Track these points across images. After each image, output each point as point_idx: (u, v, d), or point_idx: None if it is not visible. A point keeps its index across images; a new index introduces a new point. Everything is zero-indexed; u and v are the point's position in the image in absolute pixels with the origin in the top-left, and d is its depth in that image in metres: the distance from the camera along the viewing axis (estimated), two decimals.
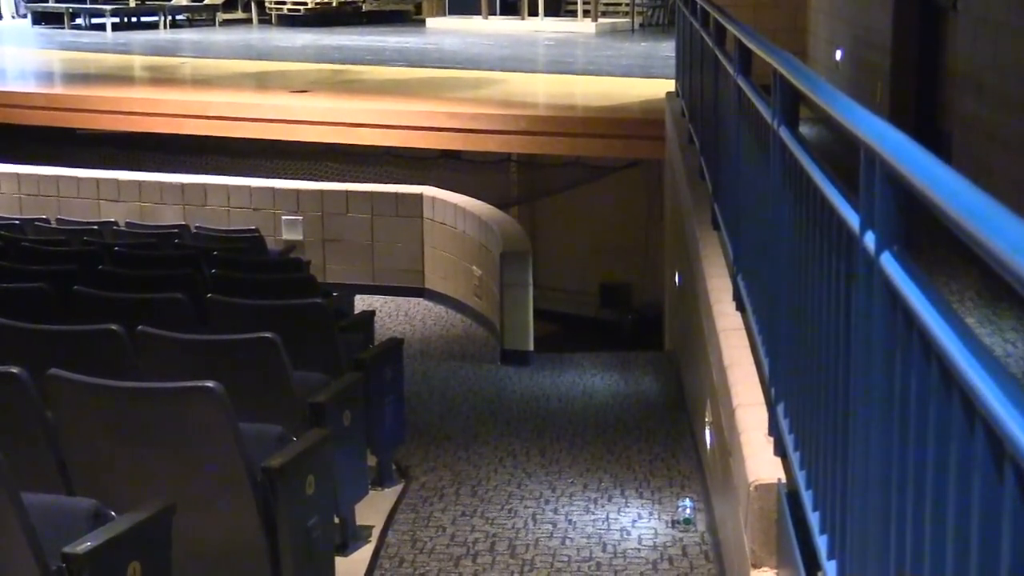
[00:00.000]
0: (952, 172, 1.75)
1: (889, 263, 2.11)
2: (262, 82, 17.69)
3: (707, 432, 5.63)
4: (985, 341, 4.92)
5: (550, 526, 5.87)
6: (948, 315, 1.77)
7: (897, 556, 2.05)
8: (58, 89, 17.91)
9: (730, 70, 5.27)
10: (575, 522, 5.92)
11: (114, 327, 5.41)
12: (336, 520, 5.29)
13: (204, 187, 13.72)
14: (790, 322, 3.44)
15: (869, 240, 2.24)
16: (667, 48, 15.83)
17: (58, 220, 11.73)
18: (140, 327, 5.44)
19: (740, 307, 4.87)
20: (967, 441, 1.62)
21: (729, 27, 5.64)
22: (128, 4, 25.42)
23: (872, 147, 2.18)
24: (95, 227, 10.84)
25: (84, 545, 3.50)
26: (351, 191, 13.39)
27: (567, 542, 5.67)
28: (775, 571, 3.50)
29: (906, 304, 1.95)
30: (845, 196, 2.59)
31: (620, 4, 24.25)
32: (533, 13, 23.68)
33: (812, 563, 2.93)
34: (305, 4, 25.06)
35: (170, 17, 25.44)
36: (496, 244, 11.37)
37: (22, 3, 27.44)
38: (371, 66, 18.53)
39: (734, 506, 4.11)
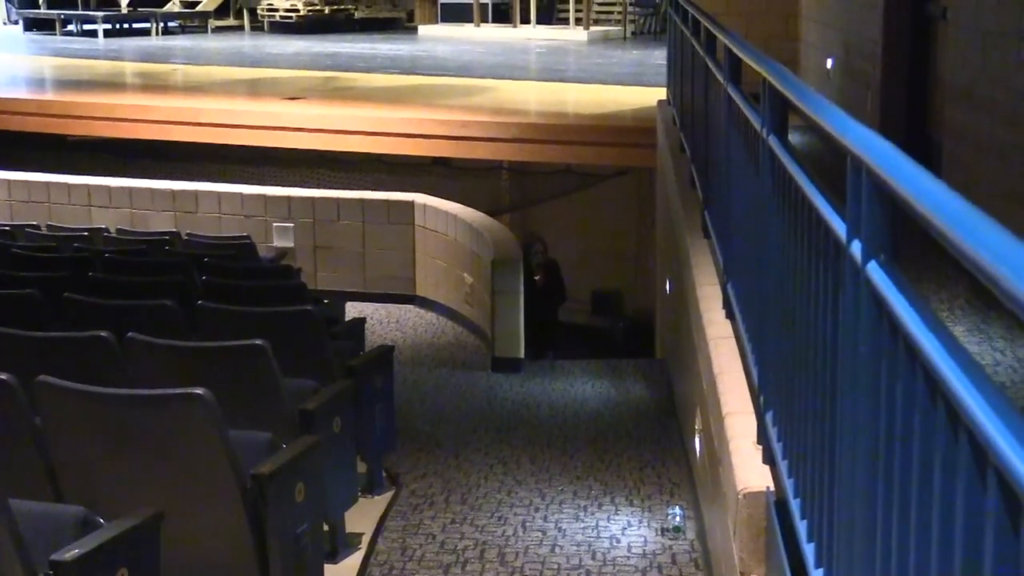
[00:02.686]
0: (938, 182, 1.76)
1: (875, 272, 2.12)
2: (254, 89, 17.69)
3: (697, 440, 5.63)
4: (974, 349, 4.93)
5: (540, 534, 5.87)
6: (933, 325, 1.78)
7: (883, 564, 2.06)
8: (49, 95, 17.90)
9: (720, 78, 5.28)
10: (565, 530, 5.93)
11: (104, 334, 5.41)
12: (325, 527, 5.29)
13: (195, 194, 13.71)
14: (779, 331, 3.44)
15: (856, 249, 2.24)
16: (659, 56, 15.86)
17: (49, 226, 11.72)
18: (130, 334, 5.43)
19: (730, 315, 4.87)
20: (952, 450, 1.62)
21: (719, 35, 5.66)
22: (120, 10, 25.42)
23: (859, 156, 2.18)
24: (86, 233, 10.83)
25: (72, 552, 3.50)
26: (342, 198, 13.39)
27: (557, 550, 5.67)
28: None
29: (892, 313, 1.95)
30: (832, 205, 2.60)
31: (612, 12, 24.29)
32: (525, 21, 23.71)
33: (800, 571, 2.93)
34: (297, 11, 25.07)
35: (162, 24, 25.44)
36: (487, 251, 11.38)
37: (13, 9, 27.42)
38: (363, 73, 18.54)
39: (723, 514, 4.11)
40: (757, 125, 3.82)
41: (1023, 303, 1.27)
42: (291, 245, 13.08)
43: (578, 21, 23.22)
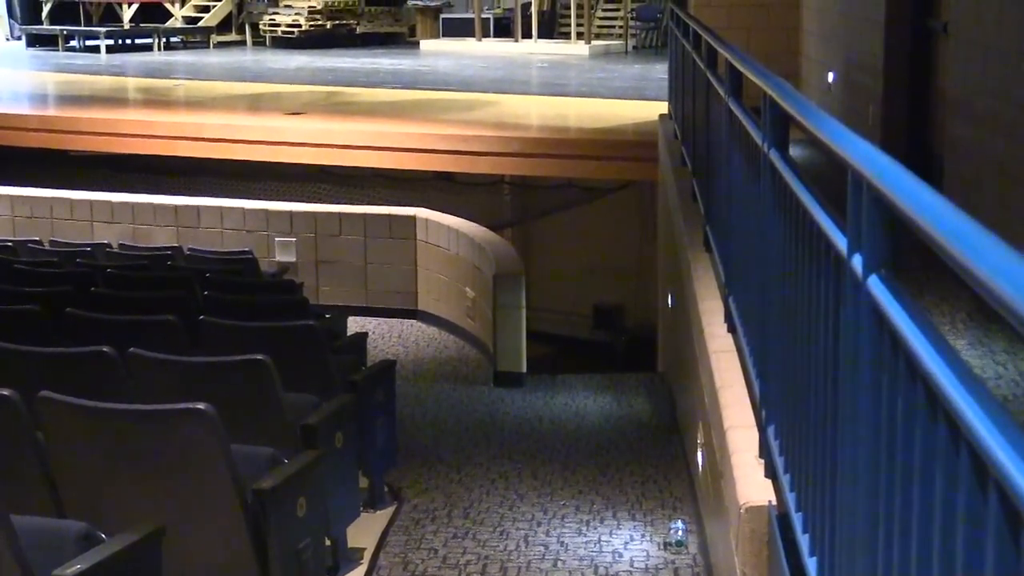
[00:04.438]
0: (938, 196, 1.76)
1: (876, 286, 2.12)
2: (256, 104, 17.71)
3: (699, 454, 5.63)
4: (976, 363, 4.93)
5: (542, 548, 5.86)
6: (934, 339, 1.78)
7: None
8: (52, 111, 17.93)
9: (721, 93, 5.28)
10: (567, 544, 5.92)
11: (106, 349, 5.41)
12: (327, 542, 5.28)
13: (197, 209, 13.72)
14: (780, 344, 3.44)
15: (856, 263, 2.25)
16: (660, 70, 15.89)
17: (51, 242, 11.73)
18: (132, 349, 5.44)
19: (731, 329, 4.87)
20: (952, 463, 1.62)
21: (720, 50, 5.67)
22: (122, 26, 25.47)
23: (859, 170, 2.19)
24: (88, 249, 10.84)
25: (73, 568, 3.50)
26: (344, 213, 13.40)
27: (559, 564, 5.67)
28: None
29: (892, 327, 1.96)
30: (833, 219, 2.60)
31: (614, 26, 24.33)
32: (527, 35, 23.74)
33: None
34: (299, 26, 25.11)
35: (164, 39, 25.48)
36: (489, 266, 11.38)
37: (16, 25, 27.48)
38: (365, 88, 18.56)
39: (725, 528, 4.11)
40: (758, 139, 3.82)
41: (1022, 318, 1.27)
42: (293, 260, 13.09)
43: (580, 35, 23.25)
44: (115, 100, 18.70)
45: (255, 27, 26.14)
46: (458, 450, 7.83)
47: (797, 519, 3.04)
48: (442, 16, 25.70)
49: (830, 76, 11.43)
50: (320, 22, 25.25)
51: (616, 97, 16.67)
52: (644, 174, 12.74)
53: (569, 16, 23.66)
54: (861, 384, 2.22)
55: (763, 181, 3.70)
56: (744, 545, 3.53)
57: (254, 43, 26.14)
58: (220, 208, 13.71)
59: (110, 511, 4.33)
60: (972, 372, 1.62)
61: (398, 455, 6.82)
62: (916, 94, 9.06)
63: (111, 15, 25.76)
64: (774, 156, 3.51)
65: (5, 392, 4.38)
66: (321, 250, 13.28)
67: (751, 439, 3.86)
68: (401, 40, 26.48)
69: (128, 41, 25.75)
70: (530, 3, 24.04)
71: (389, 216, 13.24)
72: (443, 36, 25.23)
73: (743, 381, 4.36)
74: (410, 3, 26.73)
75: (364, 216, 13.31)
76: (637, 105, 15.37)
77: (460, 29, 24.85)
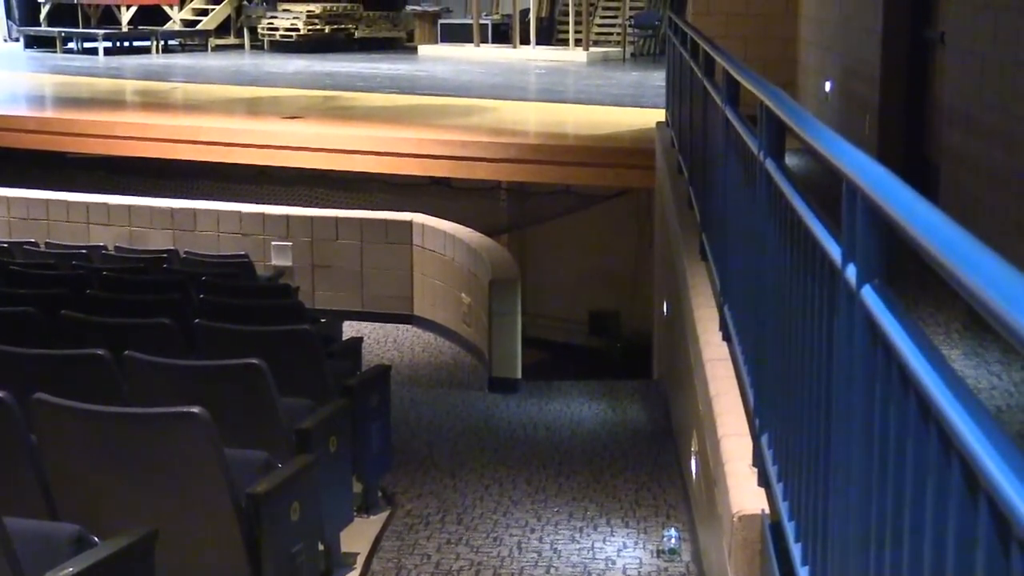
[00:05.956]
0: (932, 207, 1.76)
1: (870, 296, 2.12)
2: (253, 108, 17.72)
3: (693, 462, 5.63)
4: (970, 373, 4.93)
5: (535, 555, 5.86)
6: (927, 349, 1.78)
7: None
8: (49, 113, 17.92)
9: (718, 101, 5.29)
10: (560, 551, 5.92)
11: (101, 352, 5.41)
12: (321, 547, 5.28)
13: (194, 212, 13.72)
14: (775, 353, 3.45)
15: (850, 273, 2.25)
16: (658, 78, 15.89)
17: (47, 244, 11.73)
18: (127, 352, 5.44)
19: (727, 337, 4.88)
20: (944, 474, 1.63)
21: (717, 58, 5.68)
22: (120, 28, 25.48)
23: (853, 180, 2.19)
24: (84, 251, 10.84)
25: (66, 571, 3.50)
26: (341, 217, 13.40)
27: (552, 571, 5.66)
28: None
29: (885, 338, 1.96)
30: (828, 229, 2.60)
31: (612, 33, 24.35)
32: (525, 42, 23.76)
33: None
34: (297, 30, 25.12)
35: (162, 42, 25.50)
36: (485, 272, 11.38)
37: (14, 26, 27.48)
38: (362, 93, 18.58)
39: (718, 536, 4.11)
40: (754, 148, 3.83)
41: (1016, 331, 1.27)
42: (289, 264, 13.09)
43: (578, 42, 23.26)
44: (113, 102, 18.68)
45: (253, 31, 26.15)
46: (452, 456, 7.83)
47: (790, 528, 3.04)
48: (440, 22, 25.73)
49: (827, 85, 11.44)
50: (318, 26, 25.27)
51: (613, 104, 16.68)
52: (641, 181, 12.74)
53: (567, 23, 23.68)
54: (854, 394, 2.23)
55: (759, 190, 3.71)
56: (737, 553, 3.53)
57: (252, 47, 26.15)
58: (217, 212, 13.71)
59: (104, 514, 4.32)
60: (964, 383, 1.62)
61: (392, 460, 6.82)
62: (913, 104, 9.07)
63: (109, 17, 25.77)
64: (770, 165, 3.51)
65: None
66: (317, 254, 13.28)
67: (745, 448, 3.86)
68: (399, 45, 26.50)
69: (126, 43, 25.76)
70: (528, 9, 24.07)
71: (385, 221, 13.24)
72: (441, 41, 25.25)
73: (737, 390, 4.36)
74: (408, 8, 26.76)
75: (361, 221, 13.31)
76: (634, 112, 15.38)
77: (458, 35, 24.87)
